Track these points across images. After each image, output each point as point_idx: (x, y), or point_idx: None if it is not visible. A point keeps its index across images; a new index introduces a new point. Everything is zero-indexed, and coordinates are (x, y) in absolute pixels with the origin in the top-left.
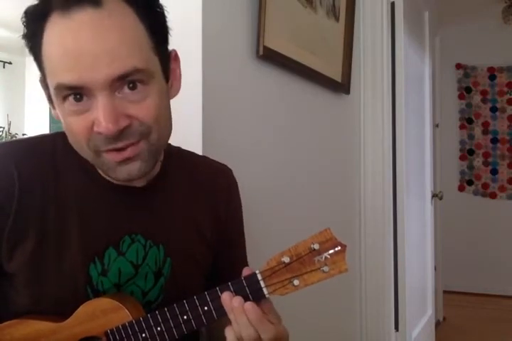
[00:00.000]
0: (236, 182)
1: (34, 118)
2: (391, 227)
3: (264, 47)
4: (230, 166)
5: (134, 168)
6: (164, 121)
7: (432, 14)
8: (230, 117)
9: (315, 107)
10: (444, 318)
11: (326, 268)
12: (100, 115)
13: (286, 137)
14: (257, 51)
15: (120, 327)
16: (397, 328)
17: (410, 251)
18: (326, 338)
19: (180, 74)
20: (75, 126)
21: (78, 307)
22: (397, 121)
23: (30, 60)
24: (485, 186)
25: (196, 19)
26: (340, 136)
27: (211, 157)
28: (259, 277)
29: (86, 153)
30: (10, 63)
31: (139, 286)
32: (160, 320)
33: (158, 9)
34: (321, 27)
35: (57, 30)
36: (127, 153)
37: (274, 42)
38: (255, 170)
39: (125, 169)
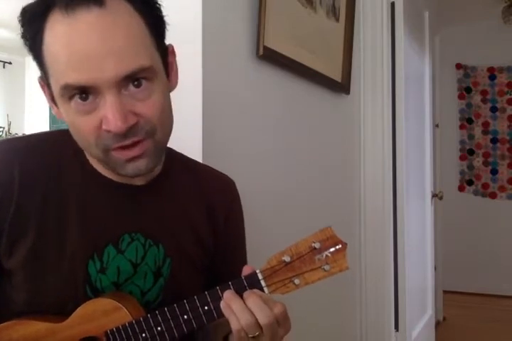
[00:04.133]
0: (238, 194)
1: (34, 118)
2: (391, 227)
3: (264, 47)
4: (229, 166)
5: (141, 164)
6: (167, 118)
7: (432, 14)
8: (230, 117)
9: (315, 107)
10: (444, 318)
11: (326, 267)
12: (109, 113)
13: (286, 137)
14: (257, 51)
15: (120, 327)
16: (397, 328)
17: (410, 251)
18: (326, 338)
19: (177, 68)
20: (83, 126)
21: (77, 304)
22: (397, 121)
23: (30, 60)
24: (485, 186)
25: (196, 19)
26: (340, 136)
27: (211, 156)
28: (260, 276)
29: (94, 151)
30: (10, 63)
31: (138, 286)
32: (160, 320)
33: (156, 4)
34: (321, 27)
35: (62, 30)
36: (135, 152)
37: (274, 42)
38: (255, 170)
39: (133, 166)
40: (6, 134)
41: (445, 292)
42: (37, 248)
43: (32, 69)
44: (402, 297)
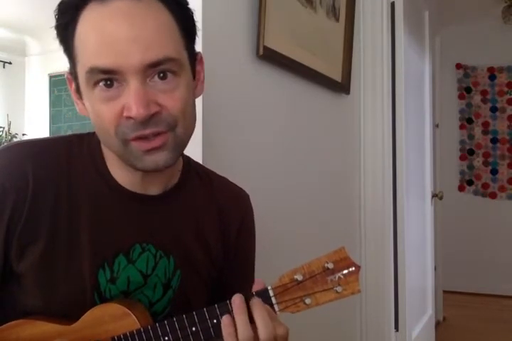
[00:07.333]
0: (251, 208)
1: (34, 118)
2: (391, 227)
3: (264, 47)
4: (228, 167)
5: (160, 158)
6: (190, 115)
7: (431, 14)
8: (230, 117)
9: (315, 107)
10: (444, 318)
11: (339, 289)
12: (131, 99)
13: (286, 137)
14: (257, 51)
15: (128, 334)
16: (397, 328)
17: (410, 251)
18: (326, 338)
19: (203, 77)
20: (105, 113)
21: (84, 311)
22: (397, 121)
23: (30, 60)
24: (485, 186)
25: (196, 19)
26: (340, 136)
27: (210, 157)
28: (271, 293)
29: (113, 142)
30: (10, 63)
31: (147, 296)
32: (168, 330)
33: (190, 11)
34: (321, 27)
35: (94, 17)
36: (154, 143)
37: (274, 42)
38: (254, 170)
39: (152, 159)
40: (6, 134)
41: (445, 292)
42: (47, 254)
43: (32, 69)
44: (402, 297)
